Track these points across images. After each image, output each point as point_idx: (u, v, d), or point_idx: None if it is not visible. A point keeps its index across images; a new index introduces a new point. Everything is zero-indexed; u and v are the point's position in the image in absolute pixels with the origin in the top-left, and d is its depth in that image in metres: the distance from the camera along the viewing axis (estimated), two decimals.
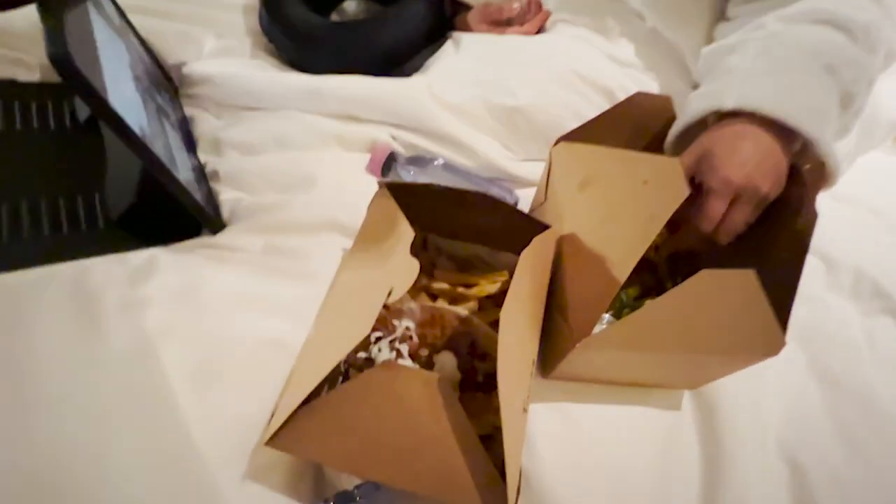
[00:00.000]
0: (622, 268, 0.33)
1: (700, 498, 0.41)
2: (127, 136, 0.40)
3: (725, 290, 0.31)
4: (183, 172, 0.51)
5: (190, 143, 0.60)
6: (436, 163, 0.57)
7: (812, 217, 0.36)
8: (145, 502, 0.34)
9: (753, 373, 0.42)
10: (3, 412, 0.36)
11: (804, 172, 0.40)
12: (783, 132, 0.39)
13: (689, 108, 0.43)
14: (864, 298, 0.54)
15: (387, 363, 0.36)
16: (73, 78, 0.34)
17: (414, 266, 0.34)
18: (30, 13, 0.65)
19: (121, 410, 0.38)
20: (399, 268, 0.34)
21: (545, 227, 0.38)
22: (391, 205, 0.39)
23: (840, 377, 0.48)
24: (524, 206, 0.55)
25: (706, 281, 0.30)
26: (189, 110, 0.64)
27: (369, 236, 0.38)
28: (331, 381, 0.33)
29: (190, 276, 0.46)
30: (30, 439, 0.35)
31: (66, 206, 0.49)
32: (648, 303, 0.32)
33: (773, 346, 0.34)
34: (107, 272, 0.45)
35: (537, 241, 0.35)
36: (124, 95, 0.45)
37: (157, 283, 0.45)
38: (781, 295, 0.34)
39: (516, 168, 0.58)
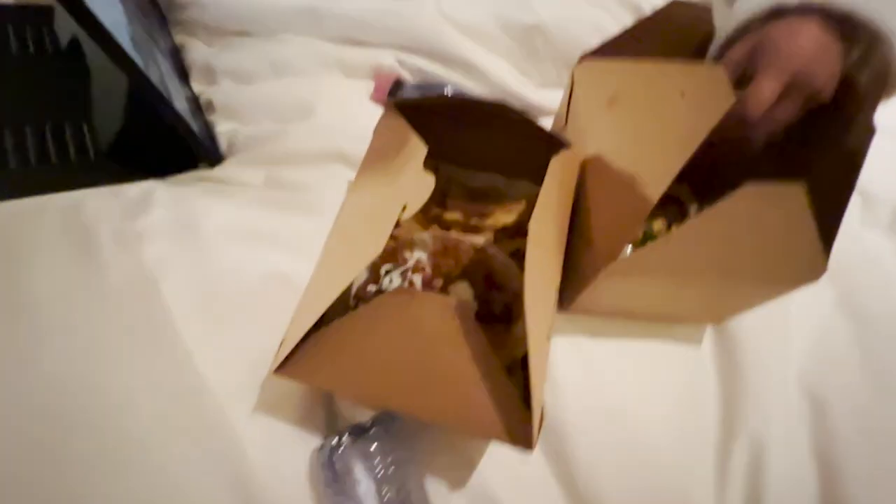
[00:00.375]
0: (656, 186, 0.30)
1: (718, 433, 0.40)
2: (123, 61, 0.37)
3: (771, 206, 0.28)
4: (178, 102, 0.47)
5: (182, 73, 0.56)
6: (445, 89, 0.53)
7: (868, 132, 0.33)
8: (150, 432, 0.33)
9: (777, 308, 0.40)
10: (5, 343, 0.35)
11: (859, 85, 0.36)
12: (845, 35, 0.35)
13: (745, 5, 0.38)
14: None
15: (405, 288, 0.34)
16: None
17: (428, 180, 0.32)
18: None
19: (122, 342, 0.36)
20: (412, 183, 0.31)
21: (568, 144, 0.35)
22: (400, 123, 0.35)
23: (870, 312, 0.46)
24: None
25: (751, 196, 0.27)
26: (179, 38, 0.59)
27: (377, 157, 0.35)
28: (340, 312, 0.31)
29: (188, 209, 0.44)
30: (33, 370, 0.35)
31: (53, 135, 0.46)
32: (685, 223, 0.29)
33: (814, 272, 0.31)
34: (100, 205, 0.43)
35: (561, 157, 0.32)
36: (114, 20, 0.41)
37: (154, 217, 0.43)
38: (827, 216, 0.31)
39: (533, 95, 0.53)
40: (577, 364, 0.39)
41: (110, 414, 0.34)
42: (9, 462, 0.32)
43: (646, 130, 0.34)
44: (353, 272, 0.29)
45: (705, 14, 0.42)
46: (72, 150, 0.46)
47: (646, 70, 0.36)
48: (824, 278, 0.47)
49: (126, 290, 0.39)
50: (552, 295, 0.32)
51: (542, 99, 0.54)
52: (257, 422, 0.35)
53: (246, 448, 0.33)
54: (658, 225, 0.45)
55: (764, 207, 0.28)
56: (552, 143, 0.36)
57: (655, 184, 0.30)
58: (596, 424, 0.38)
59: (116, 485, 0.32)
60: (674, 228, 0.40)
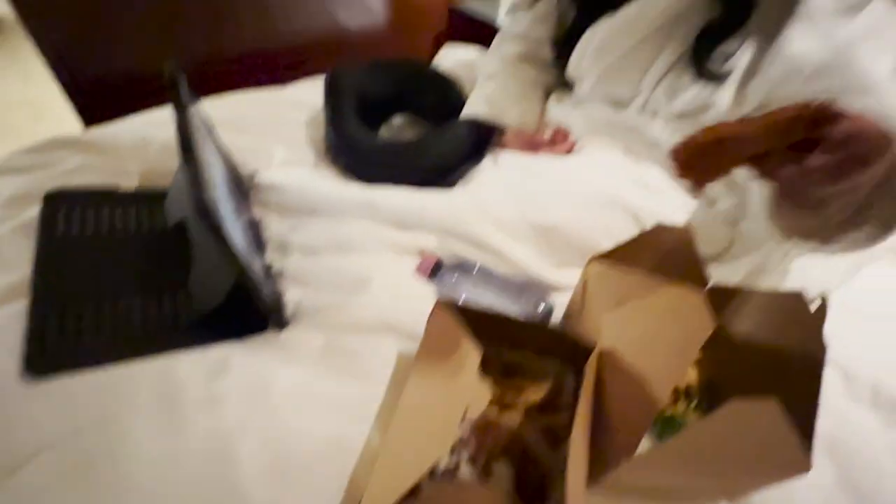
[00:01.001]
0: (662, 391, 0.38)
1: None
2: (229, 253, 0.47)
3: (751, 417, 0.35)
4: (254, 272, 0.58)
5: (259, 244, 0.67)
6: (475, 270, 0.64)
7: (822, 350, 0.41)
8: None
9: (787, 486, 0.45)
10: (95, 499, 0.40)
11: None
12: None
13: None
14: (884, 409, 0.58)
15: (452, 480, 0.39)
16: (208, 220, 0.41)
17: (485, 390, 0.39)
18: (132, 127, 0.77)
19: (198, 500, 0.41)
20: (471, 387, 0.38)
21: (590, 346, 0.44)
22: (451, 322, 0.44)
23: (866, 487, 0.50)
24: (558, 310, 0.61)
25: (733, 410, 0.34)
26: (258, 213, 0.73)
27: (432, 351, 0.44)
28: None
29: (260, 373, 0.51)
30: None
31: (155, 305, 0.56)
32: (682, 431, 0.36)
33: (801, 467, 0.37)
34: (188, 368, 0.51)
35: (590, 365, 0.40)
36: (220, 201, 0.53)
37: (231, 381, 0.50)
38: (804, 417, 0.38)
39: (550, 275, 0.64)
40: None
41: None
42: None
43: (648, 336, 0.43)
44: (426, 461, 0.35)
45: (686, 234, 0.54)
46: (168, 318, 0.55)
47: (642, 283, 0.46)
48: (822, 454, 0.53)
49: (207, 452, 0.44)
50: (583, 482, 0.38)
51: (559, 278, 0.64)
52: None
53: None
54: (680, 407, 0.51)
55: (745, 418, 0.35)
56: (574, 339, 0.44)
57: (661, 388, 0.38)
58: None
59: None
60: (679, 425, 0.46)
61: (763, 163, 0.39)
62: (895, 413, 0.57)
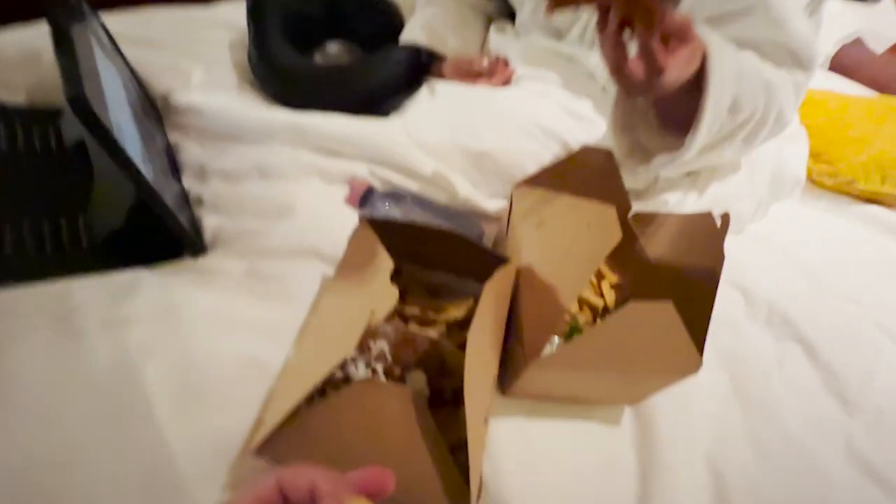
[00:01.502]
0: (569, 297, 0.39)
1: (636, 499, 0.46)
2: (127, 167, 0.43)
3: (649, 318, 0.37)
4: (168, 197, 0.54)
5: (174, 169, 0.63)
6: (409, 197, 0.63)
7: (720, 259, 0.44)
8: None
9: (684, 393, 0.50)
10: None
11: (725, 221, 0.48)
12: None
13: None
14: (775, 326, 0.63)
15: (364, 380, 0.40)
16: (87, 119, 0.37)
17: (393, 293, 0.39)
18: (19, 38, 0.67)
19: (97, 423, 0.39)
20: (379, 293, 0.38)
21: (504, 260, 0.44)
22: (371, 237, 0.44)
23: (755, 396, 0.56)
24: (488, 237, 0.62)
25: (633, 311, 0.36)
26: (173, 137, 0.67)
27: (350, 265, 0.43)
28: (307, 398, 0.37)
29: (172, 296, 0.49)
30: (6, 440, 0.37)
31: (49, 228, 0.51)
32: (587, 330, 0.38)
33: (691, 366, 0.40)
34: (89, 291, 0.47)
35: (498, 274, 0.40)
36: (121, 122, 0.48)
37: (139, 303, 0.47)
38: (697, 324, 0.41)
39: (482, 203, 0.64)
40: (514, 444, 0.45)
41: (74, 491, 0.36)
42: None
43: (563, 251, 0.44)
44: (328, 365, 0.34)
45: (608, 157, 0.55)
46: (66, 241, 0.51)
47: (564, 203, 0.47)
48: (719, 366, 0.58)
49: (108, 373, 0.42)
50: (489, 384, 0.39)
51: (492, 207, 0.64)
52: (226, 499, 0.38)
53: None
54: (583, 318, 0.54)
55: (644, 319, 0.37)
56: (493, 258, 0.45)
57: (569, 294, 0.40)
58: (529, 492, 0.43)
59: None
60: (585, 329, 0.49)
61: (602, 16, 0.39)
62: (785, 329, 0.63)
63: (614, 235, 0.39)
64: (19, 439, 0.37)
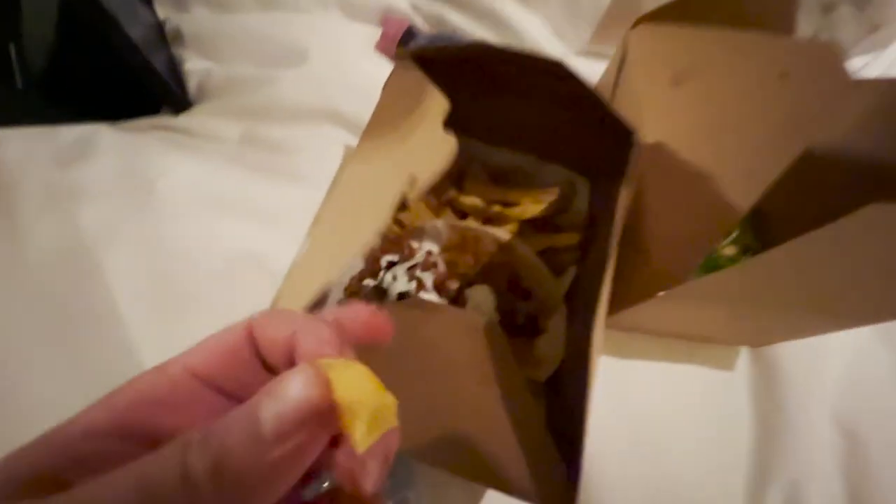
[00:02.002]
0: (746, 193, 0.24)
1: (751, 473, 0.35)
2: None
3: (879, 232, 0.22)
4: (134, 28, 0.38)
5: None
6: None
7: None
8: None
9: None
10: None
11: None
12: None
13: None
14: None
15: (415, 299, 0.27)
16: None
17: (448, 145, 0.24)
18: None
19: (44, 332, 0.29)
20: (425, 149, 0.24)
21: (625, 127, 0.28)
22: (416, 77, 0.28)
23: None
24: None
25: (877, 217, 0.21)
26: None
27: (385, 119, 0.28)
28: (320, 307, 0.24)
29: (140, 164, 0.35)
30: None
31: None
32: (779, 247, 0.23)
33: None
34: (26, 147, 0.34)
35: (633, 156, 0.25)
36: None
37: (94, 170, 0.34)
38: None
39: (570, 59, 0.46)
40: (605, 390, 0.33)
41: (26, 423, 0.27)
42: None
43: (727, 120, 0.27)
44: (342, 258, 0.21)
45: None
46: None
47: (728, 41, 0.29)
48: None
49: (55, 261, 0.30)
50: (604, 312, 0.26)
51: (581, 69, 0.46)
52: None
53: None
54: (730, 250, 0.38)
55: (887, 231, 0.22)
56: (612, 127, 0.29)
57: (745, 191, 0.24)
58: (623, 457, 0.33)
59: None
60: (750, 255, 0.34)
61: None
62: None
63: (840, 86, 0.22)
64: None
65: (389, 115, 0.26)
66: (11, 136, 0.34)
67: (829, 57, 0.24)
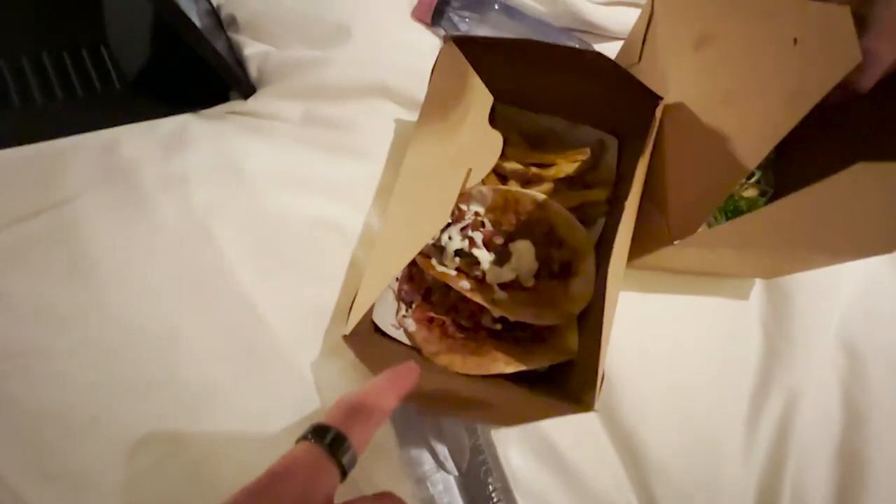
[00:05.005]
0: (755, 150, 0.27)
1: (755, 382, 0.41)
2: None
3: (879, 184, 0.26)
4: (198, 19, 0.42)
5: None
6: (497, 4, 0.47)
7: None
8: (221, 381, 0.35)
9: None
10: (74, 289, 0.36)
11: None
12: None
13: None
14: None
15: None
16: None
17: (496, 140, 0.29)
18: None
19: (186, 290, 0.37)
20: (477, 142, 0.28)
21: (651, 93, 0.32)
22: (461, 63, 0.32)
23: None
24: None
25: (863, 174, 0.25)
26: None
27: (437, 104, 0.32)
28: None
29: (228, 149, 0.42)
30: (104, 315, 0.36)
31: (73, 63, 0.42)
32: (783, 200, 0.27)
33: None
34: (137, 144, 0.41)
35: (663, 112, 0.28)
36: None
37: (195, 157, 0.41)
38: None
39: (598, 14, 0.47)
40: (627, 318, 0.40)
41: (181, 361, 0.35)
42: (93, 394, 0.34)
43: (744, 81, 0.30)
44: (420, 241, 0.28)
45: None
46: (96, 80, 0.42)
47: (748, 4, 0.31)
48: None
49: (180, 237, 0.38)
50: (625, 256, 0.31)
51: (612, 20, 0.47)
52: (324, 368, 0.36)
53: (316, 392, 0.36)
54: (751, 192, 0.42)
55: (873, 185, 0.26)
56: (632, 90, 0.32)
57: (754, 148, 0.28)
58: (642, 375, 0.39)
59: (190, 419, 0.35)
60: (762, 204, 0.37)
61: None
62: None
63: (848, 53, 0.25)
64: (113, 312, 0.36)
65: (439, 106, 0.31)
66: (124, 134, 0.41)
67: (840, 22, 0.27)
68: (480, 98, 0.30)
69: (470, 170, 0.29)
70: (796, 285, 0.43)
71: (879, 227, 0.28)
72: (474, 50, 0.34)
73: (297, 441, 0.22)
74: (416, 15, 0.48)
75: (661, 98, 0.31)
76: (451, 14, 0.47)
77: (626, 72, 0.31)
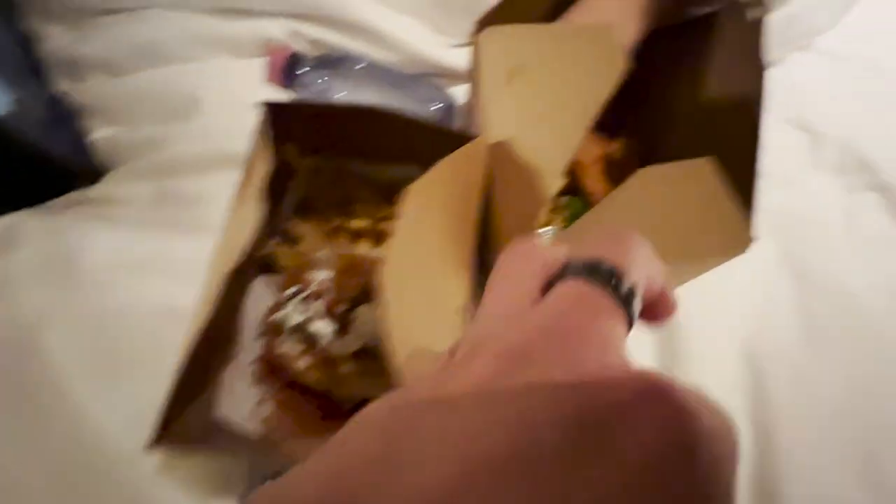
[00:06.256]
0: (552, 177, 0.26)
1: None
2: None
3: (676, 184, 0.25)
4: (29, 116, 0.40)
5: (34, 69, 0.47)
6: (349, 62, 0.47)
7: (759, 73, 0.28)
8: None
9: (718, 271, 0.39)
10: None
11: None
12: None
13: None
14: (849, 173, 0.49)
15: None
16: None
17: (253, 214, 0.27)
18: None
19: (5, 413, 0.33)
20: (243, 222, 0.27)
21: (465, 137, 0.30)
22: (264, 135, 0.30)
23: (812, 268, 0.45)
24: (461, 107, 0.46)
25: (650, 178, 0.24)
26: (31, 25, 0.50)
27: (248, 170, 0.31)
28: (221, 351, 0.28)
29: (62, 242, 0.39)
30: None
31: None
32: (584, 216, 0.25)
33: (740, 243, 0.29)
34: None
35: (444, 162, 0.27)
36: None
37: (22, 257, 0.38)
38: (744, 183, 0.27)
39: (448, 57, 0.47)
40: None
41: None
42: None
43: (547, 110, 0.29)
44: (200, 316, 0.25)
45: None
46: None
47: (548, 34, 0.31)
48: (767, 234, 0.45)
49: (3, 352, 0.34)
50: (455, 318, 0.29)
51: (459, 60, 0.47)
52: (169, 478, 0.32)
53: None
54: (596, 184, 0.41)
55: (668, 187, 0.25)
56: (453, 137, 0.31)
57: (552, 174, 0.27)
58: None
59: None
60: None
61: None
62: (861, 177, 0.48)
63: (616, 63, 0.24)
64: None
65: (251, 167, 0.29)
66: None
67: (601, 38, 0.26)
68: (259, 169, 0.28)
69: (232, 258, 0.27)
70: (683, 294, 0.41)
71: (696, 229, 0.27)
72: (293, 115, 0.32)
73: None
74: (270, 79, 0.47)
75: (468, 136, 0.30)
76: (305, 73, 0.46)
77: (434, 126, 0.30)
